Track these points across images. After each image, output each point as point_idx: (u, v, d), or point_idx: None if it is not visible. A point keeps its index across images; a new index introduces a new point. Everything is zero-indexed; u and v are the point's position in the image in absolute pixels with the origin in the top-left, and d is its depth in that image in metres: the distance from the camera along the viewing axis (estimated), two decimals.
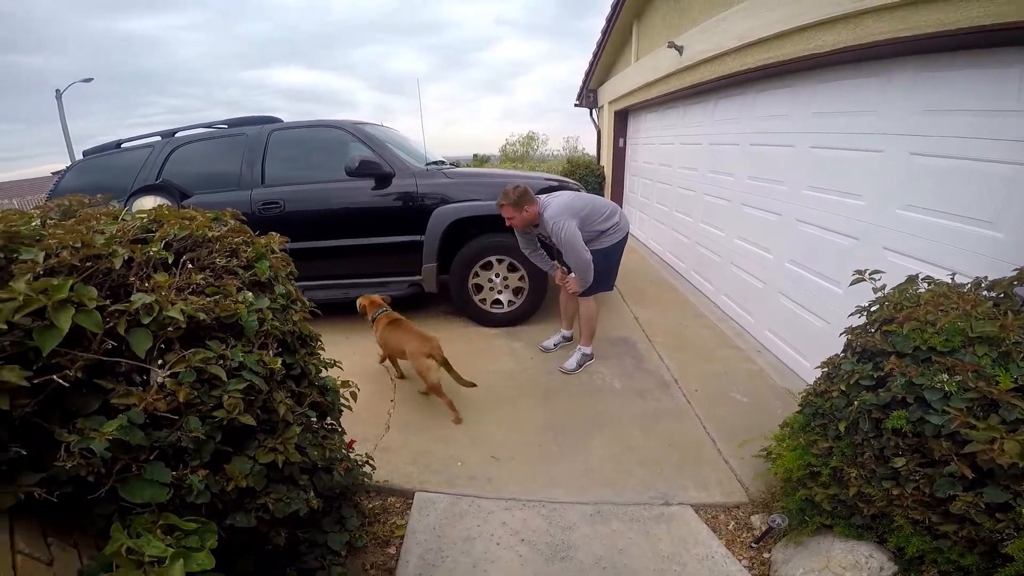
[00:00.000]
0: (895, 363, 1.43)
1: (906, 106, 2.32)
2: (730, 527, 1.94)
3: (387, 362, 3.21)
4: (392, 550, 1.84)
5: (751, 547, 1.84)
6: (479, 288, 3.79)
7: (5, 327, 0.91)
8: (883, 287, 1.75)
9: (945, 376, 1.32)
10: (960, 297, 1.52)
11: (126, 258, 1.16)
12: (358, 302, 3.11)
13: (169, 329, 1.07)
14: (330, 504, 1.57)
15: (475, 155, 17.84)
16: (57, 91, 15.97)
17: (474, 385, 2.75)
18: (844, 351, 1.74)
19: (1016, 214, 1.85)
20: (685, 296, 4.52)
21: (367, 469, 1.86)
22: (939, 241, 2.15)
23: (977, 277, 1.65)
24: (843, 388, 1.57)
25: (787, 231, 3.19)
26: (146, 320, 1.04)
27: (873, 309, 1.72)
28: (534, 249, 3.18)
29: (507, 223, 2.94)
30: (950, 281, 1.68)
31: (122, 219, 1.39)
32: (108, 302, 1.05)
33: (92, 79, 16.63)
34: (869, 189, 2.53)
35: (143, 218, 1.40)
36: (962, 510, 1.25)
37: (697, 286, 4.70)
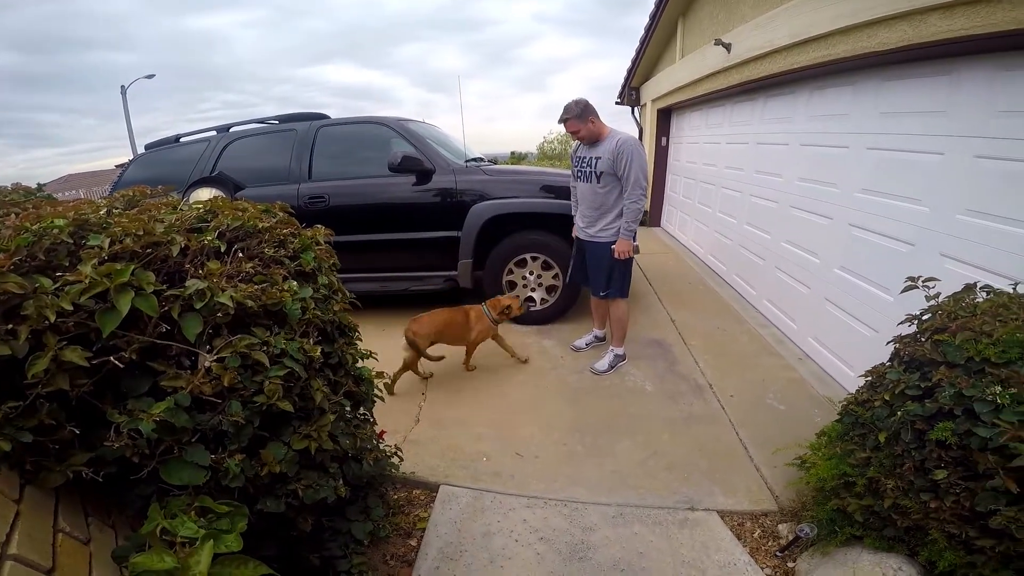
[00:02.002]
0: (944, 373, 1.38)
1: (978, 107, 2.18)
2: (756, 535, 1.90)
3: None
4: (413, 542, 1.87)
5: (775, 556, 1.79)
6: (513, 285, 3.81)
7: (71, 308, 0.96)
8: (937, 295, 1.67)
9: (998, 388, 1.26)
10: (1020, 307, 1.43)
11: (182, 246, 1.23)
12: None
13: (219, 315, 1.13)
14: (357, 493, 1.59)
15: (512, 152, 17.83)
16: (122, 87, 16.78)
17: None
18: (891, 360, 1.68)
19: None
20: (725, 300, 4.40)
21: (395, 460, 1.91)
22: (1005, 249, 2.01)
23: None
24: (887, 398, 1.53)
25: (837, 235, 3.05)
26: (198, 305, 1.10)
27: (925, 318, 1.65)
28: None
29: (574, 137, 2.93)
30: (1012, 291, 1.58)
31: (180, 209, 1.48)
32: (164, 287, 1.11)
33: (154, 75, 17.42)
34: (929, 193, 2.40)
35: (199, 208, 1.48)
36: (1002, 525, 1.21)
37: (738, 290, 4.56)
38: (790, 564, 1.76)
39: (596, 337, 3.46)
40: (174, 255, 1.20)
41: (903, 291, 1.73)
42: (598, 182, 2.86)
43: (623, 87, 8.86)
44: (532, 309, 3.82)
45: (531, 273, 3.77)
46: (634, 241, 2.89)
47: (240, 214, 1.41)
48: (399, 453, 1.93)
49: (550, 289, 3.81)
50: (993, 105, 2.11)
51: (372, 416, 1.77)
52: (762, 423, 2.53)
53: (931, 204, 2.38)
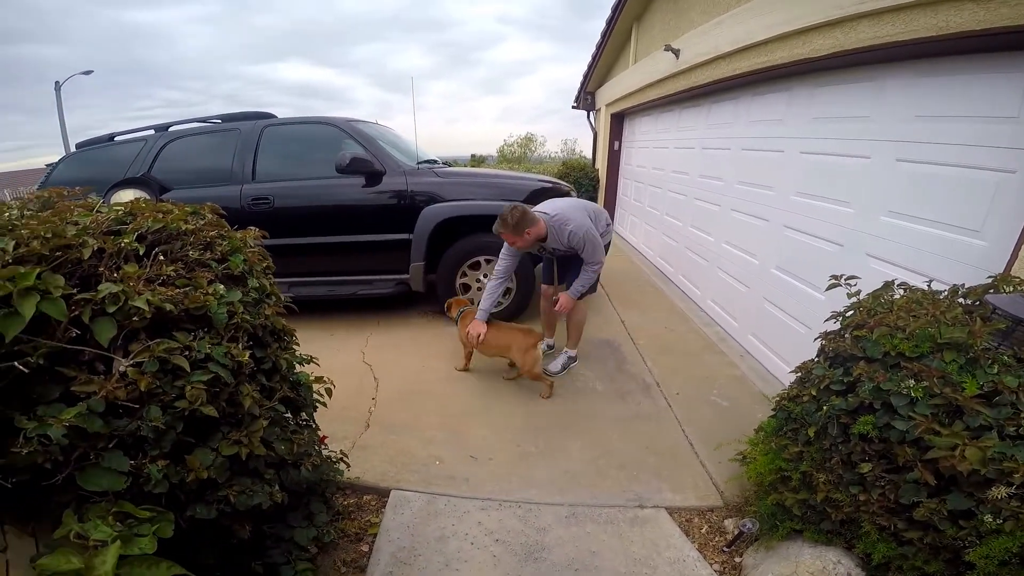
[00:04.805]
0: (864, 368, 1.44)
1: (898, 112, 2.33)
2: (703, 531, 1.94)
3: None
4: (365, 547, 1.83)
5: (723, 551, 1.83)
6: (466, 288, 3.79)
7: None
8: (858, 292, 1.76)
9: (912, 382, 1.32)
10: (932, 303, 1.53)
11: (96, 248, 1.17)
12: (446, 303, 3.32)
13: (134, 319, 1.08)
14: (298, 499, 1.56)
15: (472, 155, 17.87)
16: (56, 83, 15.95)
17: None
18: (817, 356, 1.75)
19: (1000, 222, 1.85)
20: (672, 300, 4.53)
21: (341, 466, 1.86)
22: (923, 249, 2.16)
23: (955, 284, 1.66)
24: (814, 393, 1.58)
25: (773, 236, 3.20)
26: (111, 309, 1.05)
27: (848, 314, 1.72)
28: (507, 276, 2.96)
29: (511, 246, 2.78)
30: (926, 288, 1.69)
31: (97, 211, 1.40)
32: (75, 291, 1.06)
33: (92, 71, 16.69)
34: (855, 195, 2.54)
35: (119, 210, 1.41)
36: (925, 517, 1.25)
37: (684, 290, 4.72)
38: (737, 559, 1.81)
39: (547, 346, 3.45)
40: (86, 258, 1.14)
41: (827, 289, 1.83)
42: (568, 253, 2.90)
43: (579, 91, 9.03)
44: None
45: (485, 276, 3.76)
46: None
47: (162, 216, 1.35)
48: (345, 459, 1.88)
49: (505, 292, 3.80)
50: (912, 110, 2.26)
51: (314, 421, 1.71)
52: (707, 419, 2.61)
53: (857, 206, 2.53)
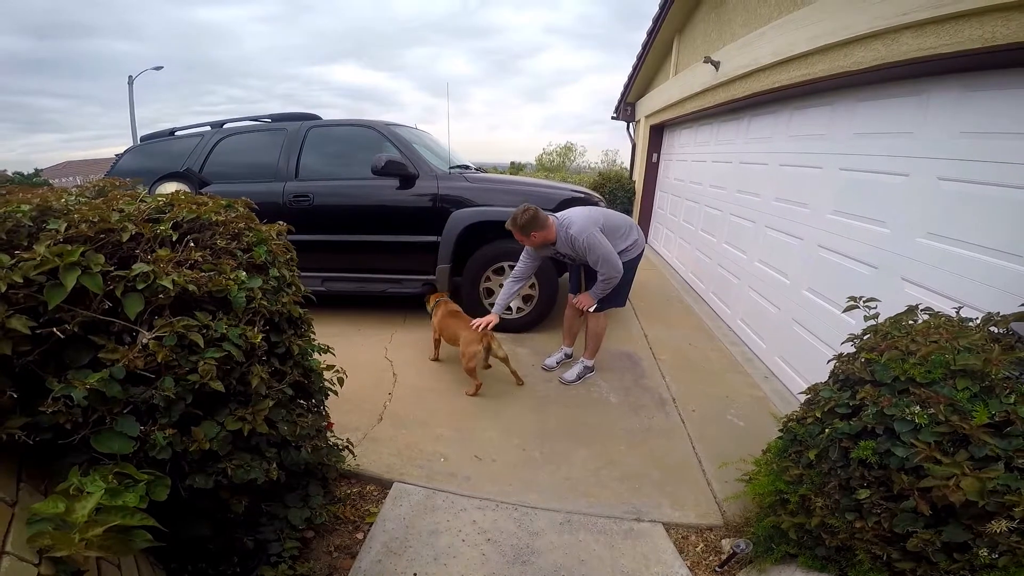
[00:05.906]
0: (869, 392, 1.40)
1: (942, 128, 2.23)
2: (698, 549, 1.91)
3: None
4: (360, 535, 1.89)
5: (715, 571, 1.79)
6: (490, 292, 3.85)
7: (21, 281, 1.04)
8: (876, 315, 1.71)
9: (917, 408, 1.28)
10: (947, 329, 1.47)
11: (134, 233, 1.30)
12: (424, 296, 3.62)
13: (160, 296, 1.19)
14: (297, 480, 1.63)
15: (512, 163, 18.06)
16: (129, 77, 17.03)
17: (521, 383, 3.11)
18: (829, 378, 1.70)
19: None
20: (699, 317, 4.45)
21: (346, 455, 1.93)
22: (963, 274, 2.04)
23: (989, 313, 1.58)
24: (818, 415, 1.54)
25: (807, 256, 3.11)
26: (140, 286, 1.17)
27: (864, 338, 1.67)
28: (525, 278, 3.07)
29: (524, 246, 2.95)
30: (954, 315, 1.62)
31: (140, 200, 1.54)
32: (112, 268, 1.18)
33: (163, 67, 17.71)
34: (893, 215, 2.44)
35: (159, 201, 1.55)
36: (918, 547, 1.21)
37: (714, 308, 4.62)
38: None
39: (565, 355, 3.45)
40: (124, 241, 1.26)
41: (844, 311, 1.78)
42: (584, 262, 2.92)
43: (619, 102, 9.00)
44: (508, 318, 3.86)
45: None
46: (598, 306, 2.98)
47: (196, 207, 1.47)
48: (350, 447, 1.95)
49: (526, 299, 3.85)
50: (956, 126, 2.16)
51: (324, 408, 1.80)
52: (719, 438, 2.56)
53: (894, 226, 2.43)
